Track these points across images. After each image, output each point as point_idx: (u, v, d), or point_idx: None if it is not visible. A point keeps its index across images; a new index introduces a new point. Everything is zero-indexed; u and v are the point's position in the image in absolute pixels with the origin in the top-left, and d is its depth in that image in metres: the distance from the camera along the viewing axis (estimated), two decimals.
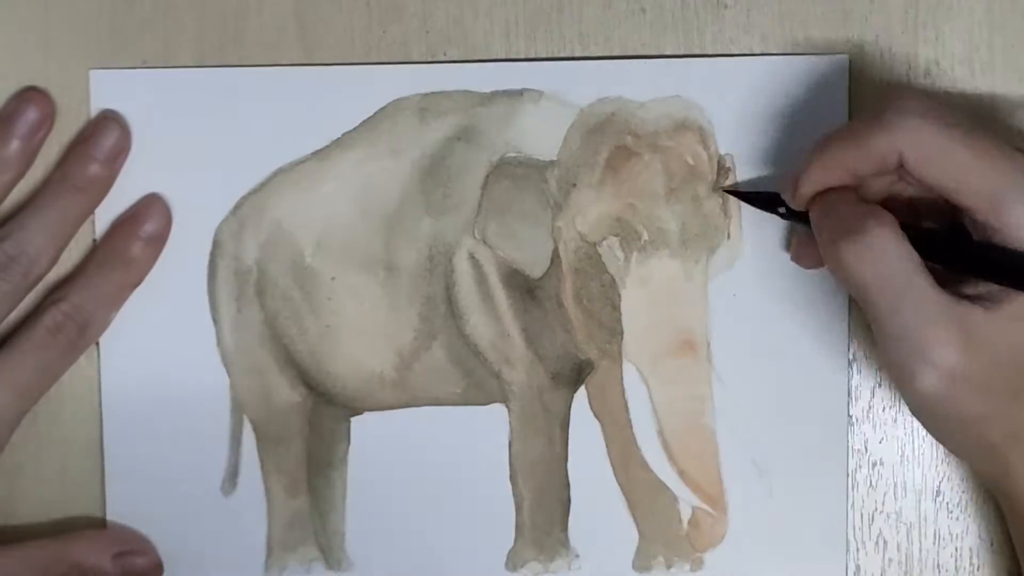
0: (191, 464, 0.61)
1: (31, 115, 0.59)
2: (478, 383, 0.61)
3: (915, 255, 0.50)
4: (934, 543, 0.61)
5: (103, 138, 0.60)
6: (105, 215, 0.61)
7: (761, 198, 0.58)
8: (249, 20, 0.61)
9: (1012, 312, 0.50)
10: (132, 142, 0.60)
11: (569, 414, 0.61)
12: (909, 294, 0.50)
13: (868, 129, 0.52)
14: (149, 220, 0.60)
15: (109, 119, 0.60)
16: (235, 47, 0.61)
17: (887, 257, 0.50)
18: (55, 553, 0.59)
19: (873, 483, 0.61)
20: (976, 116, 0.55)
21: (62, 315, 0.58)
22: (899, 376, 0.51)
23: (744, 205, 0.60)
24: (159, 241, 0.60)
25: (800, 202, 0.55)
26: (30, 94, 0.60)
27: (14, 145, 0.59)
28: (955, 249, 0.52)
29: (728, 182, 0.60)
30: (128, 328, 0.61)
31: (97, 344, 0.61)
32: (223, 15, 0.61)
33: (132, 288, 0.60)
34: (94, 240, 0.61)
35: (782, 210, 0.57)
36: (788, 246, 0.60)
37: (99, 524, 0.61)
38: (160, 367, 0.61)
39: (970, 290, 0.51)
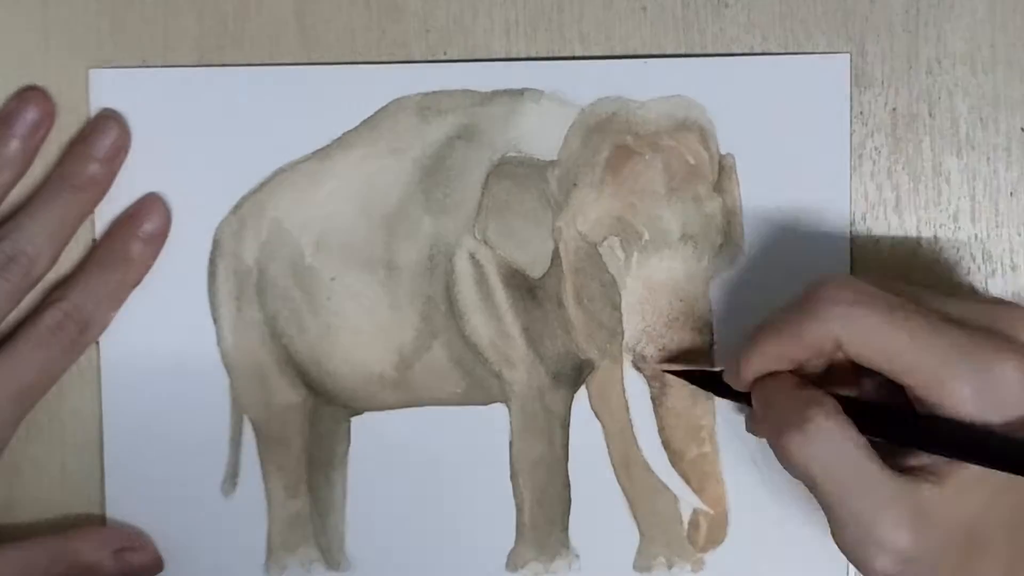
0: (191, 464, 0.61)
1: (31, 114, 0.59)
2: (478, 383, 0.61)
3: (859, 438, 0.50)
4: None
5: (102, 137, 0.60)
6: (105, 214, 0.61)
7: (703, 378, 0.59)
8: (249, 20, 0.61)
9: (959, 484, 0.50)
10: (132, 141, 0.60)
11: (570, 414, 0.61)
12: (857, 480, 0.50)
13: (802, 321, 0.52)
14: (148, 219, 0.60)
15: (108, 118, 0.60)
16: (235, 47, 0.61)
17: (831, 446, 0.50)
18: (55, 552, 0.59)
19: None
20: (909, 287, 0.54)
21: (62, 314, 0.58)
22: (855, 559, 0.51)
23: (744, 205, 0.60)
24: (158, 240, 0.60)
25: (742, 387, 0.55)
26: (30, 93, 0.60)
27: (13, 144, 0.59)
28: (899, 423, 0.52)
29: (729, 181, 0.60)
30: (128, 328, 0.61)
31: (97, 344, 0.61)
32: (223, 15, 0.61)
33: (132, 287, 0.60)
34: (94, 240, 0.61)
35: (723, 389, 0.57)
36: (789, 247, 0.60)
37: (99, 523, 0.61)
38: (160, 367, 0.61)
39: (914, 461, 0.51)
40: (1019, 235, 0.61)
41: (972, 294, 0.59)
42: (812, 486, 0.51)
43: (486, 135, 0.60)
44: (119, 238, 0.60)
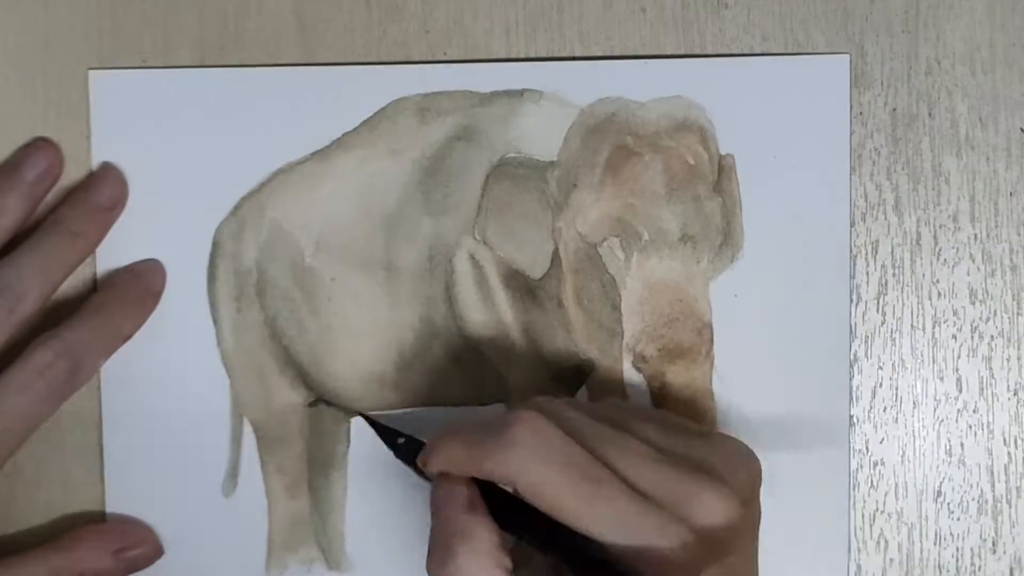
0: (191, 464, 0.61)
1: (39, 164, 0.59)
2: (478, 383, 0.61)
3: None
4: (935, 543, 0.61)
5: (103, 188, 0.60)
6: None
7: (402, 444, 0.58)
8: (249, 20, 0.61)
9: None
10: (130, 142, 0.60)
11: None
12: None
13: (485, 453, 0.51)
14: (147, 276, 0.60)
15: (110, 171, 0.60)
16: (235, 47, 0.61)
17: None
18: (57, 565, 0.59)
19: (874, 483, 0.61)
20: (611, 418, 0.54)
21: (53, 354, 0.57)
22: None
23: (745, 206, 0.60)
24: (154, 299, 0.61)
25: (428, 471, 0.54)
26: (39, 143, 0.60)
27: (19, 191, 0.59)
28: (555, 544, 0.52)
29: (729, 182, 0.60)
30: None
31: None
32: (223, 15, 0.61)
33: (125, 339, 0.60)
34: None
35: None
36: (788, 248, 0.60)
37: (98, 522, 0.62)
38: (160, 368, 0.61)
39: None
40: (1018, 235, 0.61)
41: (673, 449, 0.54)
42: None
43: (486, 136, 0.60)
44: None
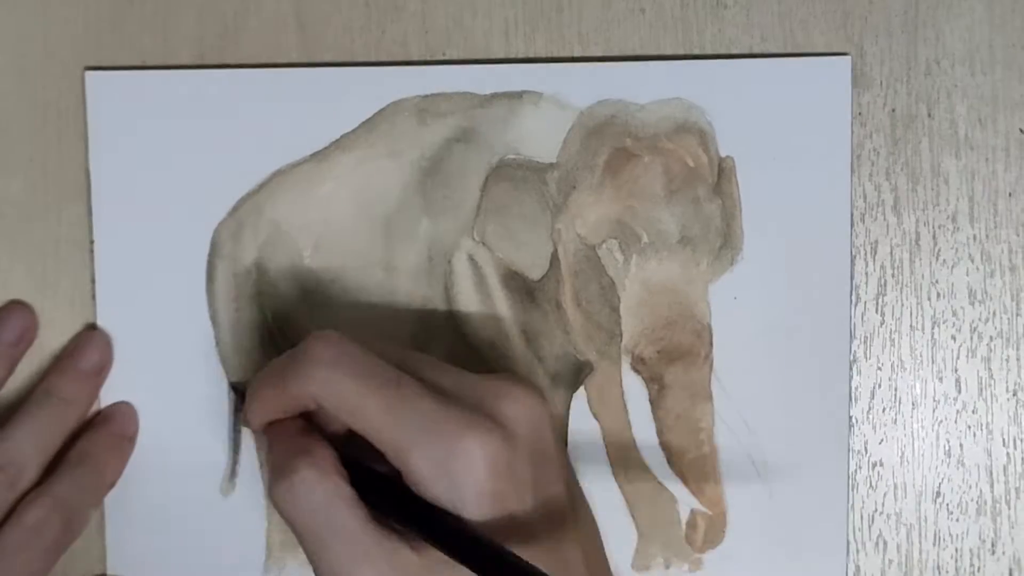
0: (190, 465, 0.61)
1: (15, 327, 0.60)
2: None
3: (345, 490, 0.50)
4: (934, 544, 0.61)
5: (89, 354, 0.60)
6: (104, 214, 0.61)
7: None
8: (249, 20, 0.61)
9: (439, 556, 0.50)
10: (128, 143, 0.60)
11: (568, 415, 0.61)
12: (336, 534, 0.50)
13: (286, 376, 0.52)
14: (119, 424, 0.61)
15: (93, 334, 0.61)
16: (235, 47, 0.61)
17: (314, 498, 0.50)
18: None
19: (873, 484, 0.61)
20: (407, 352, 0.55)
21: (45, 511, 0.57)
22: None
23: (744, 208, 0.60)
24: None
25: (252, 428, 0.55)
26: (13, 306, 0.61)
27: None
28: (384, 493, 0.52)
29: (728, 184, 0.60)
30: (127, 329, 0.61)
31: None
32: (223, 15, 0.61)
33: (110, 486, 0.60)
34: (91, 242, 0.61)
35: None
36: (788, 250, 0.60)
37: (97, 526, 0.61)
38: (158, 368, 0.61)
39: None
40: (1018, 235, 0.61)
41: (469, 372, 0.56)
42: (297, 537, 0.51)
43: (485, 137, 0.60)
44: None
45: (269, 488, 0.51)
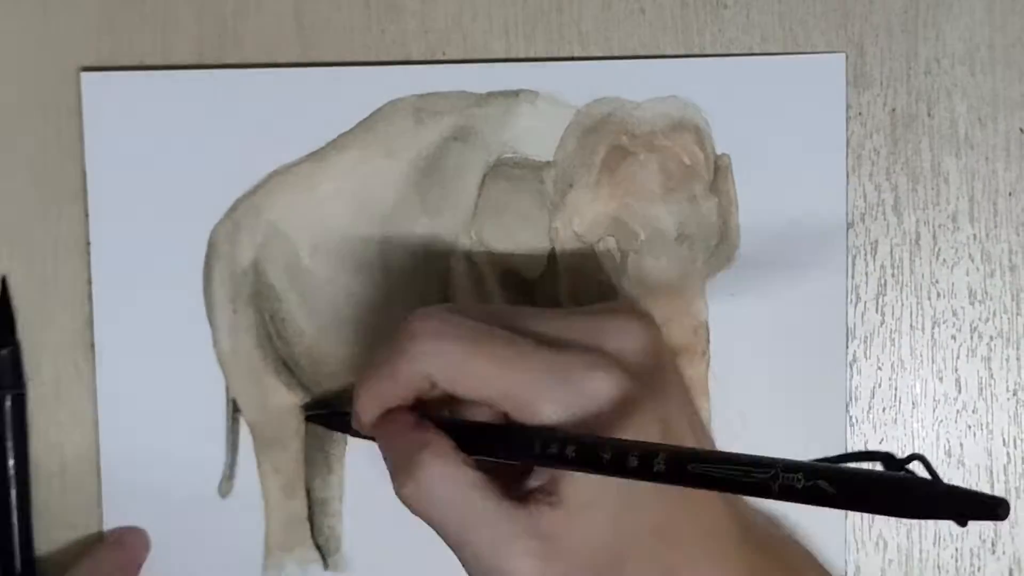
0: (188, 466, 0.61)
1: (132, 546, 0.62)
2: None
3: (472, 475, 0.49)
4: (934, 544, 0.61)
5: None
6: (101, 209, 0.61)
7: (335, 419, 0.58)
8: (248, 20, 0.61)
9: (580, 502, 0.48)
10: (125, 144, 0.60)
11: None
12: (475, 520, 0.49)
13: (393, 360, 0.51)
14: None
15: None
16: (234, 47, 0.61)
17: (444, 490, 0.49)
18: None
19: None
20: (505, 307, 0.54)
21: None
22: None
23: (742, 205, 0.60)
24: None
25: (364, 430, 0.53)
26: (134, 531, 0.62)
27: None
28: (508, 441, 0.50)
29: (725, 182, 0.60)
30: (124, 330, 0.61)
31: (93, 347, 0.61)
32: (222, 15, 0.61)
33: None
34: (87, 243, 0.61)
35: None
36: (785, 248, 0.60)
37: (95, 526, 0.62)
38: (156, 369, 0.61)
39: (535, 482, 0.50)
40: (1018, 235, 0.60)
41: (570, 308, 0.56)
42: (436, 530, 0.50)
43: (481, 136, 0.60)
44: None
45: (396, 488, 0.50)
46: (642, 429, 0.48)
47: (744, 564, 0.52)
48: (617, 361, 0.50)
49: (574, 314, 0.53)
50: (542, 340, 0.50)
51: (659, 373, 0.51)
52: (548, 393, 0.49)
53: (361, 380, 0.52)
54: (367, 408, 0.52)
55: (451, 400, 0.52)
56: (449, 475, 0.49)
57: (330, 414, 0.59)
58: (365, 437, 0.54)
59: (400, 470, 0.50)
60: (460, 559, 0.50)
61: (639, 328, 0.51)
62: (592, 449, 0.47)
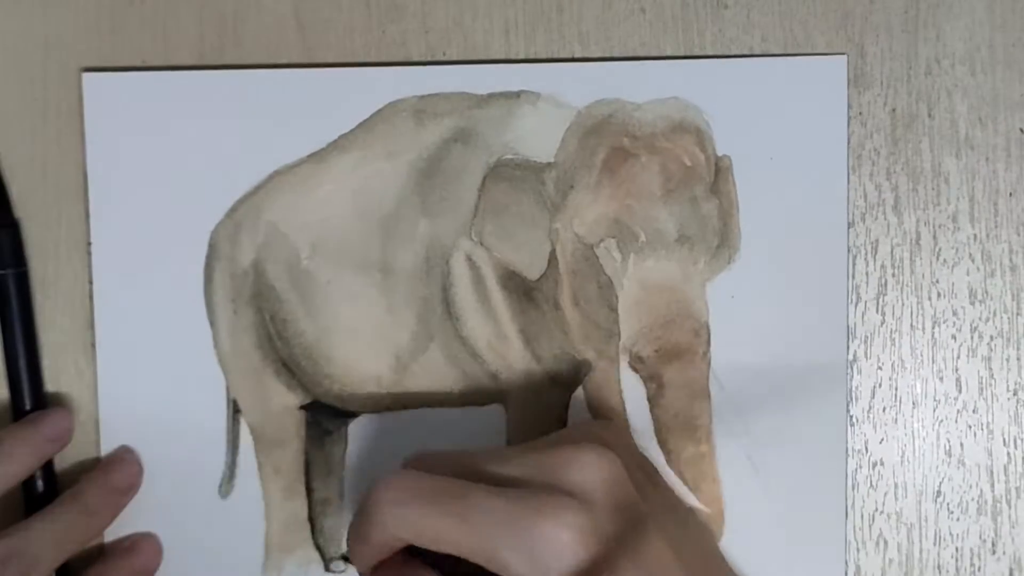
0: (188, 466, 0.61)
1: (56, 425, 0.61)
2: (475, 384, 0.61)
3: None
4: (935, 544, 0.61)
5: (120, 471, 0.61)
6: (102, 210, 0.61)
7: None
8: (249, 20, 0.61)
9: None
10: (125, 144, 0.61)
11: (567, 415, 0.61)
12: None
13: (364, 527, 0.52)
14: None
15: (126, 454, 0.62)
16: (235, 47, 0.61)
17: None
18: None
19: (873, 483, 0.61)
20: (471, 453, 0.54)
21: (6, 550, 0.57)
22: None
23: (741, 207, 0.60)
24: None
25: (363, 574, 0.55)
26: (60, 411, 0.61)
27: (32, 444, 0.60)
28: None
29: (725, 183, 0.60)
30: (124, 331, 0.61)
31: (93, 347, 0.61)
32: (223, 15, 0.61)
33: (92, 537, 0.61)
34: (88, 244, 0.61)
35: None
36: (786, 249, 0.60)
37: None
38: (156, 370, 0.61)
39: None
40: (1018, 235, 0.60)
41: (535, 445, 0.55)
42: None
43: (482, 137, 0.60)
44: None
45: None
46: (603, 555, 0.49)
47: None
48: (570, 496, 0.50)
49: (534, 451, 0.53)
50: (504, 482, 0.51)
51: (617, 496, 0.52)
52: (505, 544, 0.49)
53: (348, 541, 0.55)
54: (359, 564, 0.54)
55: None
56: None
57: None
58: None
59: None
60: None
61: (590, 458, 0.52)
62: None
